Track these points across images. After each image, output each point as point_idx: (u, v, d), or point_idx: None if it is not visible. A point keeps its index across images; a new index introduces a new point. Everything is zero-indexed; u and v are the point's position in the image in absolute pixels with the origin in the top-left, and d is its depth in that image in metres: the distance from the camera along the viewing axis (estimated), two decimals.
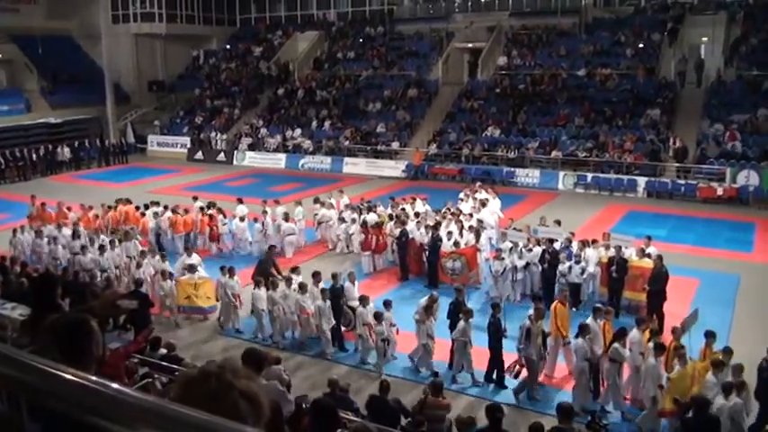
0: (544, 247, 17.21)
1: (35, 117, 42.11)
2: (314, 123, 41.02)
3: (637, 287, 16.01)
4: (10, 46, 44.52)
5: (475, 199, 22.94)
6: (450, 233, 19.13)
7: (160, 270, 17.32)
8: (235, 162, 40.67)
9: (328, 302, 14.76)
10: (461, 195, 23.78)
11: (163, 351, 12.15)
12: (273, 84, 46.04)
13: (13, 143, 38.76)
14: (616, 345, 12.10)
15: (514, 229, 19.24)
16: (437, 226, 19.42)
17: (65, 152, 39.84)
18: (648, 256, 16.30)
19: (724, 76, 34.17)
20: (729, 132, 30.18)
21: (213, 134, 42.51)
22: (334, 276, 15.78)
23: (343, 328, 15.39)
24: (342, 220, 21.96)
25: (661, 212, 26.78)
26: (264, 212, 22.27)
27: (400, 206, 22.32)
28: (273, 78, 46.40)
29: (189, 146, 42.99)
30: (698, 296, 16.89)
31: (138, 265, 17.68)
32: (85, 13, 46.82)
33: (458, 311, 13.77)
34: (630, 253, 16.53)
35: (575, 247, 17.24)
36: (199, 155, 42.22)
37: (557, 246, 17.23)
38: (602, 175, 31.00)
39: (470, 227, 19.56)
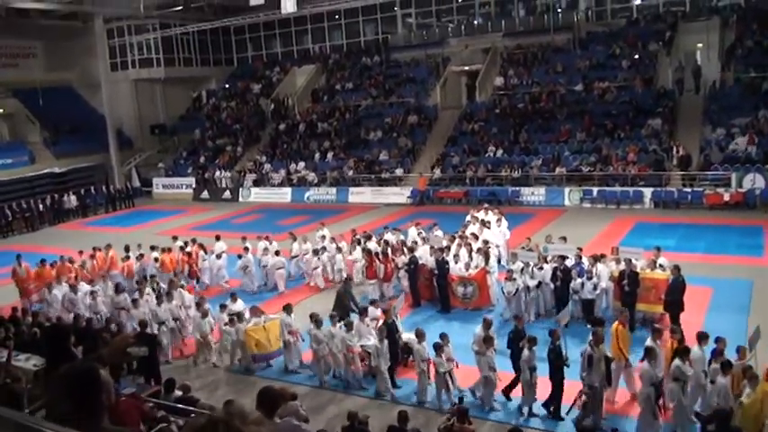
0: (555, 265, 17.16)
1: (39, 168, 42.45)
2: (317, 155, 41.22)
3: (650, 299, 15.91)
4: (11, 100, 45.11)
5: (480, 220, 22.89)
6: (456, 256, 19.11)
7: (234, 314, 16.48)
8: (240, 199, 40.85)
9: (386, 341, 14.01)
10: (468, 218, 23.76)
11: (178, 393, 12.08)
12: (274, 119, 46.31)
13: (19, 195, 39.07)
14: (678, 363, 11.42)
15: (523, 248, 19.19)
16: (443, 249, 19.41)
17: (71, 200, 40.14)
18: (660, 267, 16.24)
19: (721, 80, 34.22)
20: (749, 135, 30.08)
21: (217, 173, 42.71)
22: (386, 312, 15.23)
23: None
24: (315, 252, 21.92)
25: (669, 222, 26.68)
26: (246, 249, 22.38)
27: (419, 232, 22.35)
28: (274, 114, 46.67)
29: (194, 186, 43.29)
30: (712, 305, 16.81)
31: (205, 315, 16.63)
32: (84, 62, 47.40)
33: (518, 340, 13.16)
34: (641, 265, 16.45)
35: (586, 263, 17.18)
36: (204, 194, 42.46)
37: (568, 263, 17.19)
38: (607, 189, 30.96)
39: (479, 249, 19.53)
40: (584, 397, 11.83)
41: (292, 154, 42.35)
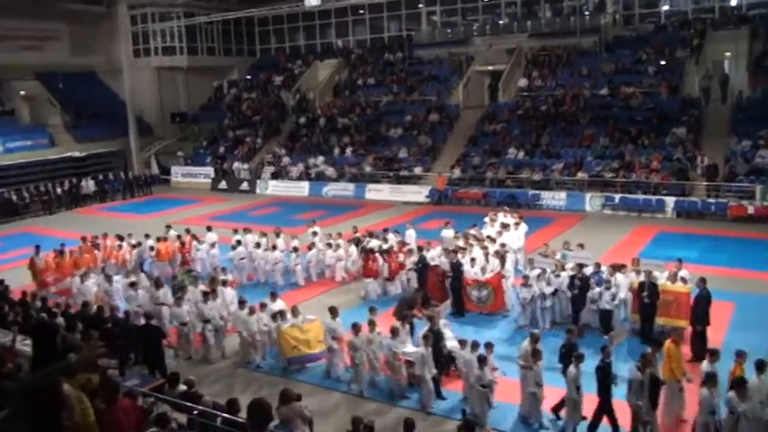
0: (573, 273, 16.80)
1: (59, 152, 42.57)
2: (336, 150, 40.99)
3: (671, 312, 15.52)
4: (33, 83, 45.23)
5: (500, 223, 22.60)
6: (473, 259, 18.79)
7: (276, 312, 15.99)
8: (258, 191, 40.71)
9: (430, 348, 13.37)
10: (486, 220, 23.45)
11: (182, 388, 11.86)
12: (295, 112, 46.12)
13: (38, 178, 39.26)
14: (731, 394, 10.80)
15: (540, 254, 18.83)
16: (457, 251, 19.10)
17: (89, 185, 40.23)
18: (682, 279, 15.84)
19: (749, 90, 33.62)
20: None
21: (236, 164, 42.57)
22: (432, 318, 14.61)
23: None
24: (296, 249, 22.01)
25: (691, 233, 26.16)
26: (238, 242, 22.28)
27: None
28: (295, 107, 46.49)
29: (212, 176, 43.15)
30: (734, 320, 16.42)
31: (252, 311, 15.89)
32: (108, 48, 47.59)
33: (570, 354, 12.45)
34: (662, 277, 16.05)
35: (605, 272, 16.82)
36: (222, 185, 42.35)
37: (587, 271, 16.82)
38: (629, 196, 30.45)
39: (495, 252, 19.22)
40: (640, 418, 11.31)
41: (311, 148, 42.14)
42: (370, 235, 22.18)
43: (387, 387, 14.13)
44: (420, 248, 19.98)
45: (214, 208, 35.98)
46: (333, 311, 15.17)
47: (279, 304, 16.46)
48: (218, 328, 16.53)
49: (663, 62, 37.18)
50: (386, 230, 22.84)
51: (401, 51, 47.36)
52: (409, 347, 14.02)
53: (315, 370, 15.33)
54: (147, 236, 23.58)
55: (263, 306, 16.19)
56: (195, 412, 10.26)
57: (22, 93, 44.81)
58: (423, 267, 19.16)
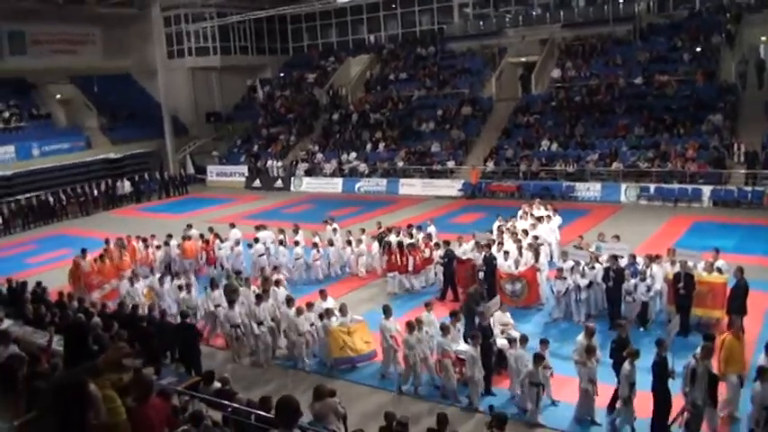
0: (608, 265, 16.62)
1: (95, 153, 43.14)
2: (368, 146, 41.01)
3: (707, 303, 15.33)
4: (69, 86, 45.92)
5: (533, 216, 22.47)
6: (506, 253, 18.70)
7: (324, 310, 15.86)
8: (292, 188, 40.91)
9: (479, 348, 13.00)
10: (520, 213, 23.31)
11: (217, 385, 11.96)
12: (328, 109, 46.23)
13: (75, 180, 39.77)
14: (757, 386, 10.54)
15: (575, 246, 18.66)
16: (490, 245, 19.00)
17: (125, 186, 40.76)
18: (718, 270, 15.61)
19: None
20: None
21: (270, 162, 42.80)
22: (482, 314, 14.22)
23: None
24: (315, 245, 22.13)
25: (728, 222, 25.75)
26: (256, 239, 22.45)
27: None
28: (327, 104, 46.61)
29: (247, 174, 43.43)
30: None
31: (300, 312, 15.59)
32: (142, 50, 48.01)
33: (621, 349, 11.95)
34: (698, 267, 15.83)
35: (640, 263, 16.62)
36: (257, 183, 42.63)
37: (621, 263, 16.63)
38: (665, 186, 30.09)
39: (529, 245, 19.11)
40: (686, 414, 10.98)
41: (344, 144, 42.24)
42: (389, 230, 22.13)
43: (439, 386, 13.80)
44: (447, 242, 19.93)
45: (248, 206, 36.21)
46: (386, 311, 14.88)
47: (329, 302, 16.29)
48: (272, 330, 16.29)
49: (698, 49, 36.55)
50: (410, 227, 22.69)
51: (433, 45, 47.19)
52: (462, 345, 13.74)
53: (365, 370, 15.08)
54: (169, 236, 23.86)
55: (309, 305, 15.98)
56: (229, 410, 10.33)
57: (58, 96, 45.45)
58: (449, 261, 19.19)
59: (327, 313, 15.43)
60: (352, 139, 42.44)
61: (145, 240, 23.75)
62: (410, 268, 20.14)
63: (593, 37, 41.11)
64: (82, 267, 21.46)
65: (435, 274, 20.18)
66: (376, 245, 22.00)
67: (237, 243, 22.97)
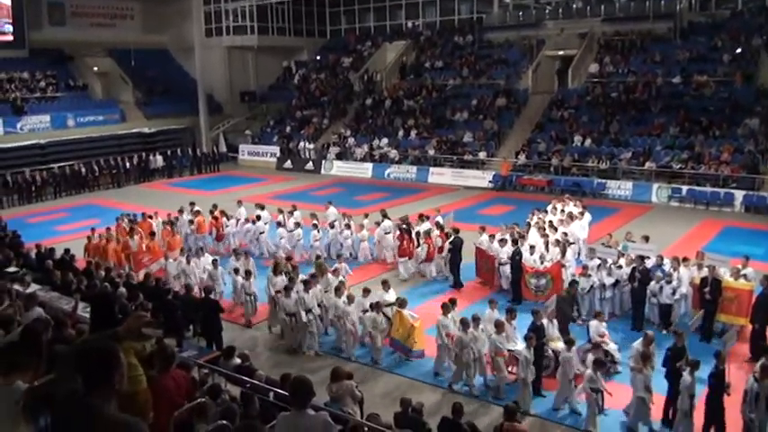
0: (634, 265, 16.50)
1: (129, 127, 43.58)
2: (400, 133, 40.94)
3: (732, 310, 15.15)
4: (106, 59, 46.40)
5: (563, 212, 22.35)
6: (532, 247, 18.65)
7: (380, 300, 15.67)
8: (323, 171, 40.99)
9: (532, 350, 12.64)
10: (549, 207, 23.20)
11: (237, 361, 12.09)
12: (361, 94, 46.22)
13: (108, 152, 40.32)
14: None
15: (603, 244, 18.53)
16: (517, 240, 18.97)
17: (158, 160, 41.10)
18: (744, 277, 15.43)
19: None
20: None
21: (302, 143, 42.91)
22: (536, 313, 13.66)
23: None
24: (315, 226, 22.42)
25: (759, 229, 25.37)
26: (258, 217, 23.12)
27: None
28: (361, 89, 46.60)
29: (278, 155, 43.58)
30: None
31: (351, 300, 15.49)
32: (180, 27, 48.28)
33: (677, 358, 11.64)
34: (725, 273, 15.66)
35: (667, 265, 16.48)
36: (288, 164, 42.78)
37: (648, 263, 16.51)
38: (697, 188, 29.74)
39: (556, 240, 19.02)
40: None
41: (376, 130, 42.21)
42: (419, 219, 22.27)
43: (492, 385, 13.50)
44: (456, 230, 20.11)
45: (279, 187, 36.40)
46: (445, 308, 14.41)
47: (391, 295, 16.03)
48: (319, 317, 16.07)
49: (738, 50, 35.99)
50: (421, 216, 22.79)
51: (471, 34, 46.85)
52: (518, 345, 13.39)
53: (417, 366, 14.69)
54: (180, 211, 24.35)
55: (366, 291, 16.00)
56: (248, 386, 10.43)
57: (95, 69, 45.92)
58: (455, 249, 19.52)
59: (377, 306, 15.09)
60: (384, 125, 42.39)
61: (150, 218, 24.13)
62: (423, 256, 20.38)
63: (633, 33, 40.59)
64: (131, 247, 21.07)
65: (445, 263, 20.32)
66: (381, 231, 22.04)
67: (247, 221, 23.46)
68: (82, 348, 3.75)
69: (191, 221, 23.52)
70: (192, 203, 25.44)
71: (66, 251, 19.32)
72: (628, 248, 17.79)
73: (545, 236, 19.37)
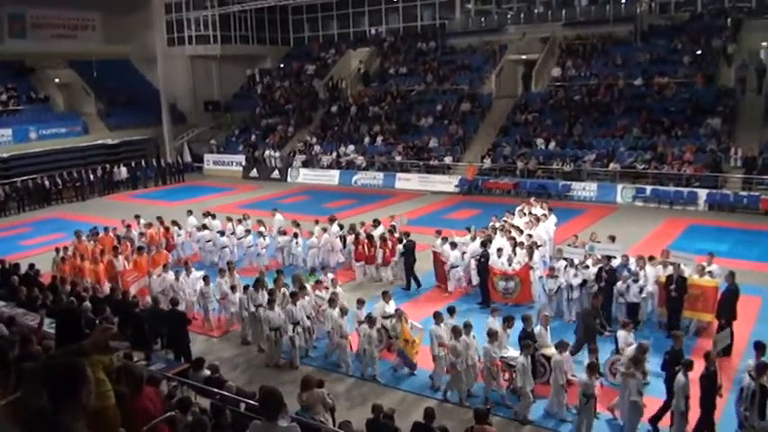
0: (601, 265, 16.65)
1: (92, 139, 43.20)
2: (366, 139, 40.98)
3: (698, 306, 15.36)
4: (68, 71, 45.98)
5: (531, 214, 22.50)
6: (499, 250, 18.76)
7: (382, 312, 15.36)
8: (289, 179, 40.90)
9: (529, 358, 12.43)
10: (517, 210, 23.34)
11: (206, 372, 11.99)
12: (326, 101, 46.19)
13: (72, 164, 39.91)
14: None
15: (569, 245, 18.69)
16: (485, 243, 19.11)
17: (122, 172, 40.70)
18: (709, 273, 15.65)
19: None
20: None
21: (268, 152, 42.77)
22: (526, 319, 13.62)
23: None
24: (260, 234, 22.70)
25: (723, 226, 25.78)
26: (204, 226, 23.58)
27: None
28: (326, 96, 46.58)
29: (244, 164, 43.41)
30: (761, 315, 16.17)
31: (344, 312, 14.91)
32: (142, 36, 47.94)
33: (675, 362, 11.49)
34: (690, 271, 15.87)
35: (633, 264, 16.66)
36: (254, 173, 42.60)
37: (614, 263, 16.67)
38: (661, 188, 30.13)
39: (521, 243, 19.15)
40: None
41: (342, 137, 42.19)
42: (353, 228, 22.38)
43: (483, 395, 13.14)
44: (407, 234, 20.59)
45: (245, 196, 36.22)
46: (437, 317, 14.04)
47: (391, 306, 15.55)
48: (308, 330, 15.66)
49: (698, 52, 36.55)
50: (375, 221, 22.96)
51: (434, 40, 47.11)
52: (511, 352, 13.26)
53: (413, 379, 14.30)
54: (128, 226, 24.17)
55: (361, 302, 15.56)
56: (218, 397, 10.36)
57: (57, 80, 45.47)
58: (407, 252, 19.95)
59: (369, 320, 14.56)
60: (350, 132, 42.40)
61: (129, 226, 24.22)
62: (379, 260, 20.72)
63: (594, 37, 41.07)
64: (115, 267, 20.18)
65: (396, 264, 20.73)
66: (328, 237, 22.17)
67: (197, 229, 23.65)
68: (47, 365, 3.70)
69: (141, 234, 23.49)
70: (138, 216, 25.26)
71: (31, 266, 19.05)
72: (594, 249, 17.94)
73: (512, 239, 19.47)
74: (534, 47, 41.75)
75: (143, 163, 42.81)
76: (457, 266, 19.24)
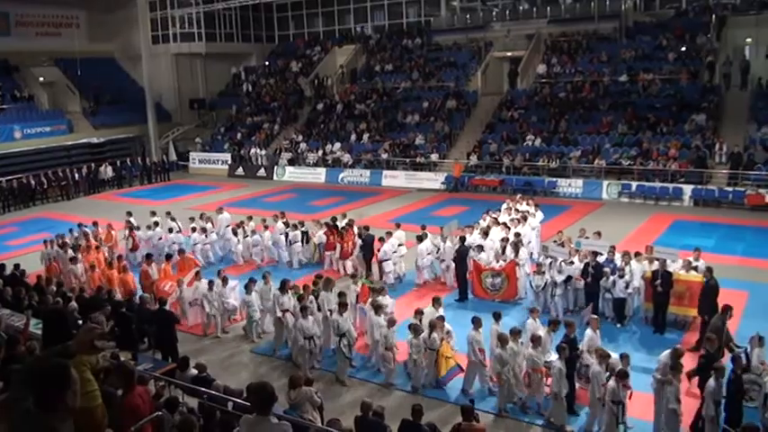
0: (587, 261, 16.71)
1: (77, 137, 42.87)
2: (353, 137, 40.95)
3: (683, 302, 15.44)
4: (52, 69, 45.63)
5: (517, 211, 22.56)
6: (480, 247, 18.96)
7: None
8: (275, 177, 40.83)
9: (564, 361, 11.78)
10: (503, 207, 23.41)
11: (193, 372, 11.97)
12: (312, 99, 46.12)
13: (57, 163, 39.66)
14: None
15: (554, 242, 18.74)
16: (464, 238, 19.40)
17: (107, 171, 40.49)
18: (695, 269, 15.74)
19: None
20: None
21: (253, 150, 42.67)
22: (570, 325, 12.79)
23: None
24: (234, 233, 23.04)
25: (708, 221, 25.97)
26: (155, 223, 23.86)
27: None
28: (312, 94, 46.51)
29: (230, 162, 43.27)
30: (747, 310, 16.25)
31: (392, 324, 14.04)
32: (126, 34, 47.76)
33: (709, 366, 11.06)
34: (676, 266, 15.95)
35: (618, 260, 16.73)
36: (240, 171, 42.49)
37: (600, 259, 16.74)
38: (646, 184, 30.29)
39: (505, 239, 19.22)
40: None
41: (329, 134, 42.14)
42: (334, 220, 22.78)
43: (529, 403, 12.63)
44: (366, 228, 21.19)
45: (231, 194, 36.08)
46: (476, 322, 13.34)
47: (440, 313, 14.47)
48: (352, 340, 14.46)
49: (683, 48, 36.73)
50: (344, 215, 23.35)
51: (420, 37, 47.12)
52: (551, 355, 12.52)
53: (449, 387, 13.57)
54: (82, 224, 24.19)
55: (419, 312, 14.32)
56: (205, 396, 10.34)
57: (41, 79, 45.15)
58: (366, 245, 20.57)
59: (414, 330, 13.53)
60: (336, 130, 42.36)
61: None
62: (337, 254, 21.40)
63: (579, 33, 41.23)
64: (151, 276, 18.85)
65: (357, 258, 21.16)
66: (268, 234, 22.73)
67: (156, 227, 23.73)
68: (33, 367, 3.68)
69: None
70: (95, 222, 24.73)
71: (16, 266, 18.95)
72: (581, 245, 18.02)
73: (504, 238, 19.53)
74: (519, 44, 41.88)
75: (128, 162, 42.62)
76: (427, 265, 19.92)
